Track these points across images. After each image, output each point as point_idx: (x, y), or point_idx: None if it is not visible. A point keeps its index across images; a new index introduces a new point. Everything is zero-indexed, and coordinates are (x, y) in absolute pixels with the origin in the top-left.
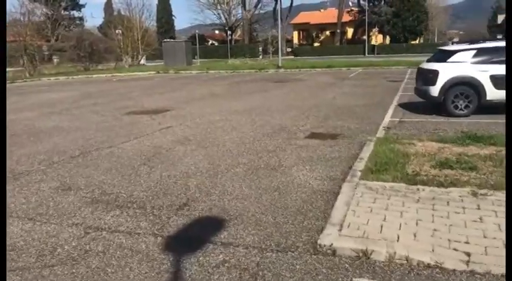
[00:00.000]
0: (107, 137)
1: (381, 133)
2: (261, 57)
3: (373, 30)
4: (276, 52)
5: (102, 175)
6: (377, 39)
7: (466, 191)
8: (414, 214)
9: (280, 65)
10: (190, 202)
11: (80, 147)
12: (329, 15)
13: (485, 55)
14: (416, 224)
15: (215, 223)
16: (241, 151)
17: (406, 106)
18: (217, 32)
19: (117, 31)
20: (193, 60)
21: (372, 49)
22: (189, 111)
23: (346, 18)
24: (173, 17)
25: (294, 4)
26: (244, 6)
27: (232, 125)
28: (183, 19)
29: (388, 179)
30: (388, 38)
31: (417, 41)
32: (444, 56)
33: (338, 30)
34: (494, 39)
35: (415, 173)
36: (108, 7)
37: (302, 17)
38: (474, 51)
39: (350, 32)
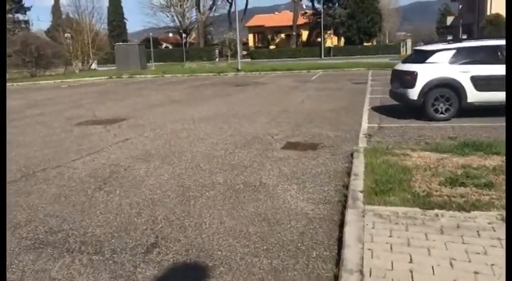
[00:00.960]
0: (54, 154)
1: (363, 142)
2: (217, 60)
3: (328, 32)
4: (233, 55)
5: (49, 205)
6: (332, 41)
7: (493, 215)
8: (444, 251)
9: (239, 68)
10: (161, 240)
11: (22, 168)
12: (284, 18)
13: (465, 55)
14: (451, 265)
15: (196, 273)
16: (213, 167)
17: (381, 110)
18: (171, 34)
19: (65, 35)
20: (148, 64)
21: (328, 51)
22: (148, 120)
23: (300, 21)
24: (125, 20)
25: (247, 7)
26: (198, 8)
27: (199, 135)
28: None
29: (396, 202)
30: (342, 40)
31: (371, 43)
32: (422, 57)
33: (294, 33)
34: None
35: (426, 193)
36: (55, 10)
37: (257, 20)
38: (453, 51)
39: (305, 34)
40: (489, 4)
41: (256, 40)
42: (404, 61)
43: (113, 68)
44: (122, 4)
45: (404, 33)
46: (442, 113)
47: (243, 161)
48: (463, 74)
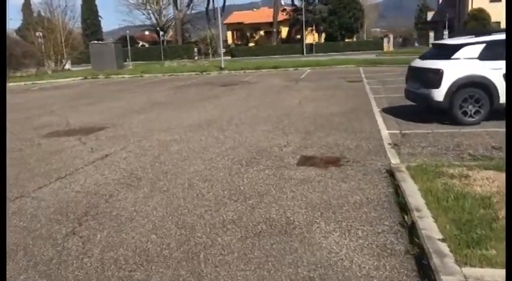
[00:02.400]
0: (15, 179)
1: (393, 155)
2: (196, 58)
3: (308, 29)
4: (213, 53)
5: None
6: (314, 38)
7: None
8: None
9: (222, 66)
10: None
11: None
12: (263, 15)
13: (496, 49)
14: None
15: None
16: (219, 194)
17: (394, 112)
18: (147, 33)
19: (37, 34)
20: (125, 63)
21: (310, 48)
22: (130, 129)
23: (280, 17)
24: (100, 18)
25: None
26: (176, 5)
27: (192, 148)
28: (111, 20)
29: (497, 259)
30: (323, 37)
31: (352, 39)
32: (446, 52)
33: (274, 30)
34: (424, 35)
35: None
36: (26, 8)
37: (235, 17)
38: (483, 45)
39: (285, 31)
40: None
41: (235, 37)
42: (424, 57)
43: (87, 67)
44: (96, 2)
45: (380, 29)
46: (471, 116)
47: (255, 185)
48: (495, 71)
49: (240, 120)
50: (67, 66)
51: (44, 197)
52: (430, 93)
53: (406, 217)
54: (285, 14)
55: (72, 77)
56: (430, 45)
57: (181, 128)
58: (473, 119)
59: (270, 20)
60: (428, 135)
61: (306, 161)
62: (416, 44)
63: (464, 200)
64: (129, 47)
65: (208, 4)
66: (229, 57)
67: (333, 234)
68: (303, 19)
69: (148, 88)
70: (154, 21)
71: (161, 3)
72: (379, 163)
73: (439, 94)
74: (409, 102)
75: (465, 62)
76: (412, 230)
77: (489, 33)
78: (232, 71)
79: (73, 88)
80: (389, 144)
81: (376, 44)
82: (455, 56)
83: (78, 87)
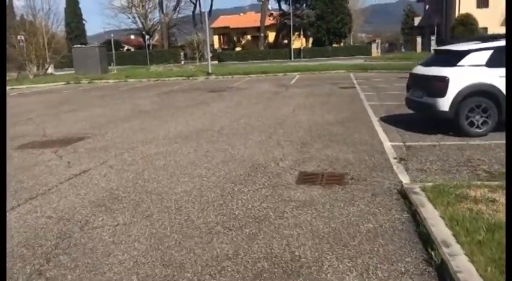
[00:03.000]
0: None
1: (401, 171)
2: (183, 62)
3: (296, 33)
4: (200, 57)
5: None
6: (302, 43)
7: None
8: None
9: (210, 71)
10: None
11: None
12: (249, 19)
13: (505, 56)
14: None
15: None
16: (211, 220)
17: (393, 122)
18: (133, 37)
19: (18, 37)
20: (109, 67)
21: (298, 53)
22: (112, 140)
23: (267, 22)
24: (84, 22)
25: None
26: (161, 9)
27: (180, 162)
28: (95, 24)
29: None
30: (310, 42)
31: (340, 44)
32: (451, 58)
33: (262, 34)
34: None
35: None
36: (8, 11)
37: (222, 21)
38: (491, 51)
39: (271, 36)
40: (457, 4)
41: (222, 42)
42: (427, 64)
43: (71, 72)
44: (80, 5)
45: (365, 34)
46: (478, 127)
47: (251, 208)
48: (504, 79)
49: (231, 130)
50: (50, 70)
51: (9, 224)
52: (434, 102)
53: (433, 253)
54: (272, 18)
55: (54, 82)
56: (432, 51)
57: (167, 139)
58: (481, 130)
59: (257, 24)
60: (435, 148)
61: (306, 178)
62: (403, 49)
63: (500, 233)
64: (113, 51)
65: (194, 8)
66: (216, 62)
67: (348, 275)
68: (291, 24)
69: (133, 94)
70: (140, 25)
71: (147, 7)
72: (387, 181)
73: (444, 103)
74: (407, 111)
75: (472, 70)
76: (443, 272)
77: (497, 39)
78: (220, 76)
79: (54, 94)
80: (395, 158)
81: (366, 49)
82: (461, 62)
83: (60, 93)
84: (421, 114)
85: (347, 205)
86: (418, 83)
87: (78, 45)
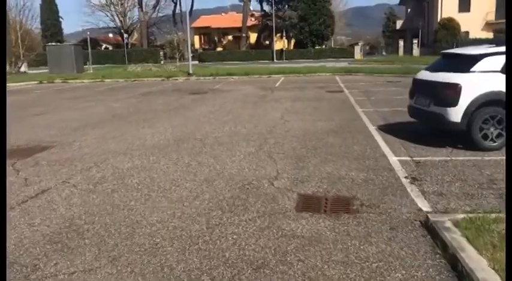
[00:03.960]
0: None
1: (415, 194)
2: (163, 62)
3: (278, 35)
4: (180, 57)
5: None
6: (283, 44)
7: None
8: None
9: (191, 72)
10: None
11: None
12: (231, 20)
13: None
14: None
15: None
16: (194, 268)
17: (393, 131)
18: (111, 35)
19: None
20: (85, 66)
21: (280, 54)
22: (80, 150)
23: (248, 22)
24: (61, 19)
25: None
26: (141, 7)
27: (157, 180)
28: (73, 22)
29: None
30: (292, 43)
31: (323, 46)
32: (462, 64)
33: (244, 35)
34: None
35: None
36: None
37: (203, 21)
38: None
39: (253, 37)
40: (440, 8)
41: (203, 42)
42: (434, 69)
43: (46, 71)
44: (57, 2)
45: (345, 37)
46: (492, 140)
47: (245, 248)
48: None
49: (216, 139)
50: (23, 68)
51: None
52: (444, 112)
53: None
54: (253, 19)
55: (26, 81)
56: (440, 55)
57: (143, 149)
58: (495, 144)
59: (239, 25)
60: (448, 164)
61: (307, 203)
62: (384, 52)
63: None
64: (89, 49)
65: (175, 7)
66: (197, 62)
67: None
68: (273, 25)
69: (109, 95)
70: (119, 24)
71: (126, 5)
72: (403, 208)
73: (455, 114)
74: (405, 119)
75: (487, 76)
76: None
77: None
78: (201, 77)
79: (24, 94)
80: (406, 177)
81: (348, 52)
82: (474, 68)
83: (31, 93)
84: (427, 124)
85: (363, 243)
86: (423, 90)
87: (53, 43)
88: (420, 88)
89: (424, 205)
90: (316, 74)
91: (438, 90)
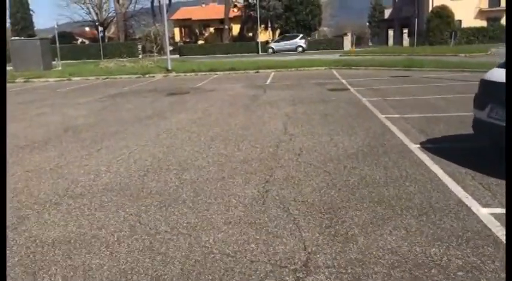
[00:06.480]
0: None
1: None
2: (140, 56)
3: (262, 26)
4: (159, 51)
5: None
6: (269, 35)
7: None
8: None
9: (170, 68)
10: None
11: None
12: (212, 11)
13: None
14: None
15: None
16: None
17: (447, 154)
18: (87, 29)
19: None
20: (54, 63)
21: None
22: (16, 188)
23: (231, 13)
24: (31, 12)
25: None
26: None
27: (107, 267)
28: (48, 16)
29: None
30: (277, 35)
31: (309, 38)
32: None
33: (226, 27)
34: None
35: None
36: None
37: (183, 13)
38: None
39: (236, 28)
40: None
41: (183, 34)
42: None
43: (10, 68)
44: None
45: (328, 28)
46: None
47: None
48: None
49: (198, 171)
50: None
51: None
52: None
53: None
54: (236, 10)
55: None
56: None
57: (88, 195)
58: None
59: (221, 16)
60: None
61: None
62: (370, 43)
63: None
64: (57, 44)
65: None
66: (177, 56)
67: None
68: (258, 15)
69: (70, 99)
70: (94, 17)
71: None
72: None
73: None
74: (450, 132)
75: None
76: None
77: None
78: (182, 74)
79: None
80: None
81: (337, 43)
82: None
83: None
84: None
85: None
86: (502, 97)
87: (16, 38)
88: (497, 94)
89: None
90: (310, 68)
91: None
